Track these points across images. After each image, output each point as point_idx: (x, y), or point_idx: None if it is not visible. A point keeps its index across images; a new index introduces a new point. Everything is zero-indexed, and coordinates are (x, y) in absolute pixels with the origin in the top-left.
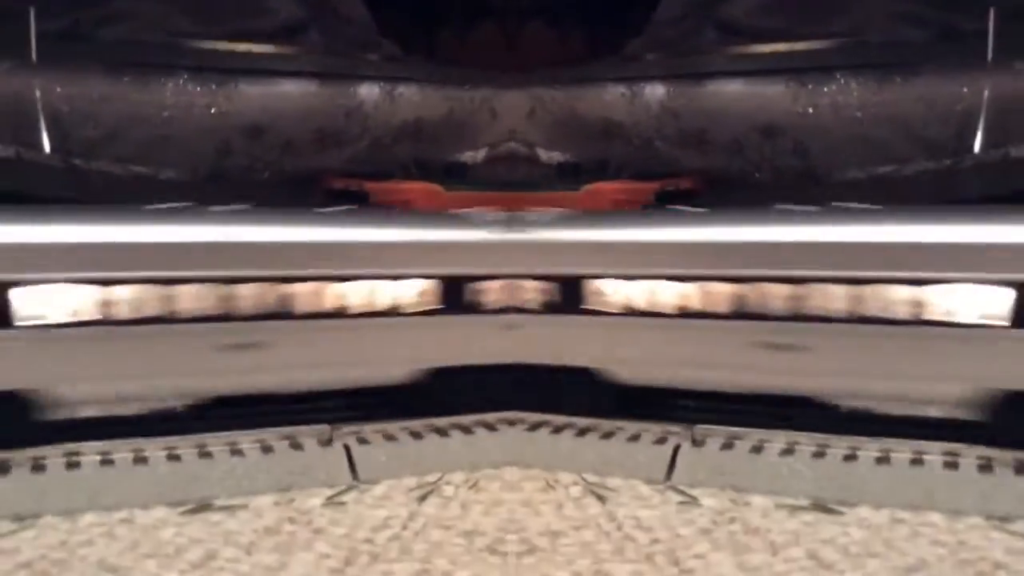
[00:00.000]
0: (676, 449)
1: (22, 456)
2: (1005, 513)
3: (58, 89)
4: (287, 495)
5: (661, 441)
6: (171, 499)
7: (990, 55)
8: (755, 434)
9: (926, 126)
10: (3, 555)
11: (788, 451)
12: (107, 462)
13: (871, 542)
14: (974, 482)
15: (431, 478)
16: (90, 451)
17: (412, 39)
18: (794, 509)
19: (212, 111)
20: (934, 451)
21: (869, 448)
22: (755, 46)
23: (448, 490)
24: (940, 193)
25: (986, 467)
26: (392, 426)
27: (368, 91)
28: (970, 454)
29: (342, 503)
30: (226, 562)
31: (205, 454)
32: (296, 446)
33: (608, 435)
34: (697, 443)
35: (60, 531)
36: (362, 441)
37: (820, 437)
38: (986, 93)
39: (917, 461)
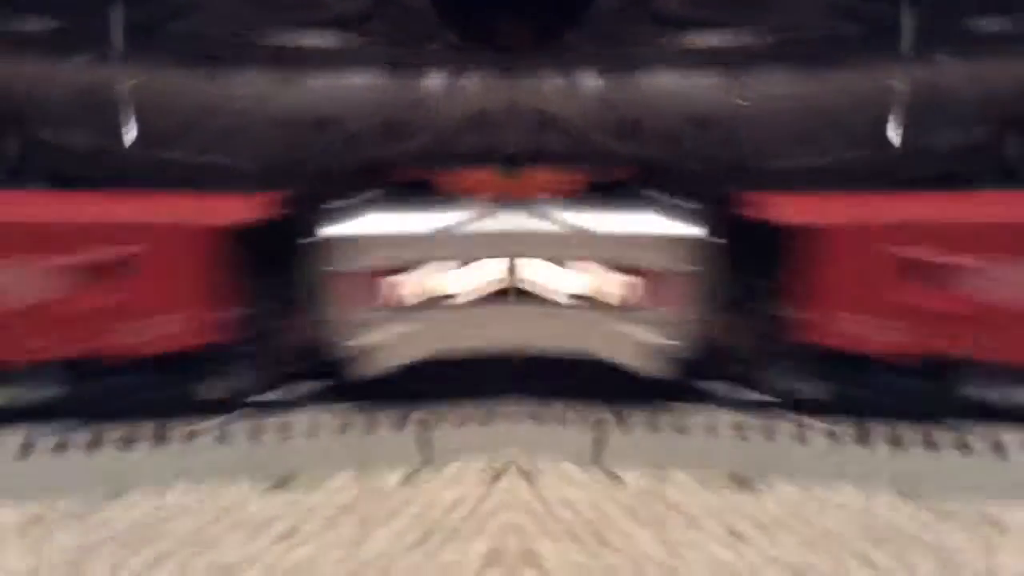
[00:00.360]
0: (603, 430)
1: (113, 432)
2: (915, 487)
3: (134, 81)
4: (364, 473)
5: (589, 421)
6: (254, 475)
7: (913, 49)
8: (680, 414)
9: (853, 117)
10: (96, 527)
11: (711, 429)
12: (192, 437)
13: (785, 515)
14: (886, 457)
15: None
16: (177, 427)
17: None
18: (715, 485)
19: (279, 103)
20: (847, 428)
21: (786, 426)
22: (690, 38)
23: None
24: (866, 182)
25: (897, 443)
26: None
27: (432, 81)
28: (881, 431)
29: (416, 482)
30: (309, 535)
31: (285, 431)
32: (371, 426)
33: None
34: (624, 423)
35: (148, 504)
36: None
37: (740, 416)
38: (911, 85)
39: (832, 436)
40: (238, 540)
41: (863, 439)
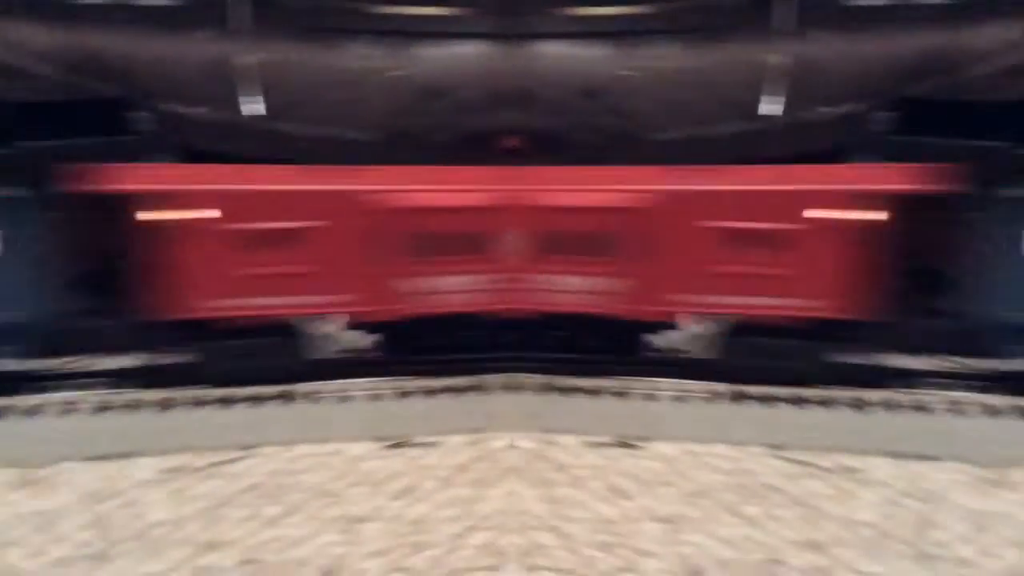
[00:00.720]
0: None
1: (242, 393)
2: (782, 442)
3: (255, 56)
4: (476, 436)
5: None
6: (374, 435)
7: (790, 24)
8: (568, 380)
9: (733, 90)
10: (234, 478)
11: (594, 393)
12: (316, 399)
13: (664, 472)
14: (757, 416)
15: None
16: (301, 390)
17: None
18: (598, 446)
19: (392, 74)
20: (723, 390)
21: (667, 389)
22: (578, 9)
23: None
24: (743, 152)
25: (768, 400)
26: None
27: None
28: (755, 392)
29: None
30: (425, 493)
31: (403, 395)
32: (483, 392)
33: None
34: (512, 391)
35: (279, 459)
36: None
37: (624, 380)
38: (788, 59)
39: (710, 399)
40: (361, 495)
41: (737, 399)
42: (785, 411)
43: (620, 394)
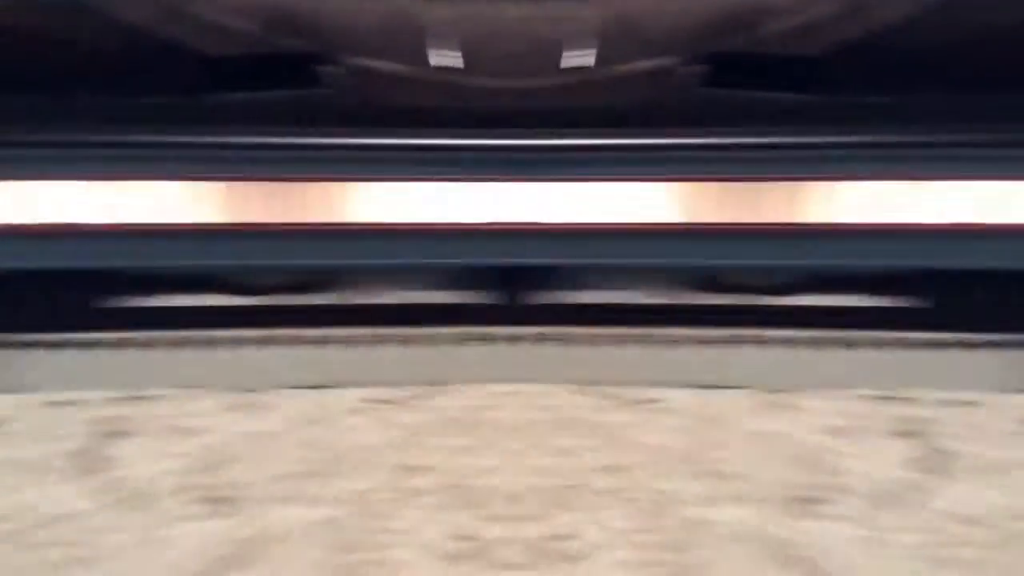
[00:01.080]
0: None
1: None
2: (591, 379)
3: (441, 9)
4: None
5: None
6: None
7: None
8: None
9: (548, 43)
10: (432, 411)
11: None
12: (513, 340)
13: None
14: (564, 356)
15: None
16: (498, 333)
17: None
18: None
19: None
20: (528, 334)
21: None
22: None
23: None
24: (559, 103)
25: (573, 341)
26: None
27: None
28: (557, 335)
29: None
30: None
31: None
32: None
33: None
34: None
35: (469, 396)
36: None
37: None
38: (603, 13)
39: (513, 339)
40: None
41: (540, 340)
42: (590, 350)
43: None
